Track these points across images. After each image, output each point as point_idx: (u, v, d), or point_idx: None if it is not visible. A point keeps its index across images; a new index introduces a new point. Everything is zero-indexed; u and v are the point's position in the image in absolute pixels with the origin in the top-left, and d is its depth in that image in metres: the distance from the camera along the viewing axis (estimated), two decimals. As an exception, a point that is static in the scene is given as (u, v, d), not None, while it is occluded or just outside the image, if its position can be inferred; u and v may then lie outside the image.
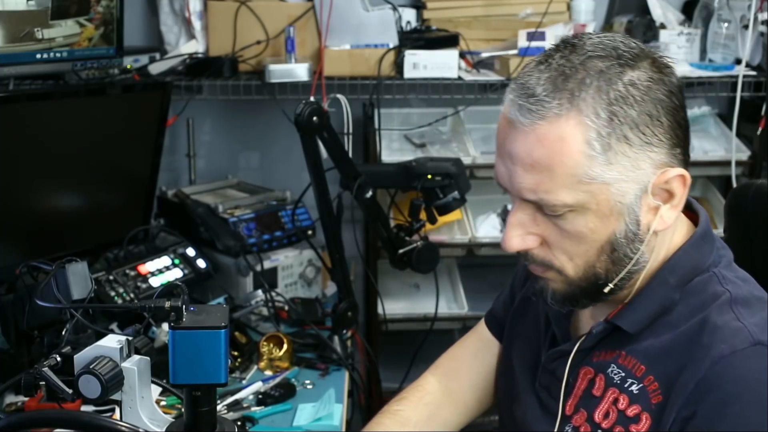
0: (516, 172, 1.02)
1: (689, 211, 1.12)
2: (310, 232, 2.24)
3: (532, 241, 1.05)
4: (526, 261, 1.08)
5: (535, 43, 2.30)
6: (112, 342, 1.09)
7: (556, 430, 1.12)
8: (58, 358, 1.12)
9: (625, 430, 1.04)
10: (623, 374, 1.06)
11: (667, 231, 1.06)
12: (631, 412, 1.04)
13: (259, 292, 2.01)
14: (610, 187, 0.99)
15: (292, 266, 2.21)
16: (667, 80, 1.00)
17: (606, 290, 1.06)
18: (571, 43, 1.02)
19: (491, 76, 2.36)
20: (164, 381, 1.18)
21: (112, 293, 1.90)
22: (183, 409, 1.04)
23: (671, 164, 1.01)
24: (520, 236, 1.05)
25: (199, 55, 2.38)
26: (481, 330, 1.39)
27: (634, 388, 1.04)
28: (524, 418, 1.20)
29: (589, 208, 1.00)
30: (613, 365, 1.08)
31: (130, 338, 1.11)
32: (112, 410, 1.41)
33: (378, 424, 1.30)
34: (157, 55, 2.40)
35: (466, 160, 2.36)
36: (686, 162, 1.03)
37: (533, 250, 1.06)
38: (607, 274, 1.05)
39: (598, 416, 1.07)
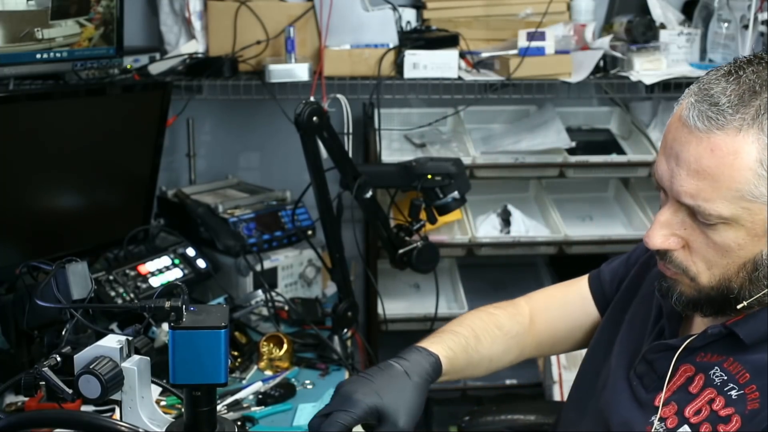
0: (679, 174, 1.02)
1: None
2: (310, 232, 2.24)
3: (674, 243, 1.07)
4: (662, 260, 1.10)
5: (535, 43, 2.30)
6: (112, 342, 1.09)
7: (645, 419, 1.14)
8: (58, 358, 1.13)
9: (712, 427, 1.06)
10: (725, 378, 1.08)
11: None
12: (724, 413, 1.06)
13: (259, 292, 2.01)
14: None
15: (292, 266, 2.22)
16: None
17: (739, 307, 1.07)
18: (765, 59, 1.03)
19: (491, 76, 2.36)
20: (164, 381, 1.18)
21: (112, 293, 1.90)
22: (183, 409, 1.04)
23: None
24: (665, 236, 1.07)
25: (199, 55, 2.38)
26: (582, 285, 1.43)
27: (733, 393, 1.06)
28: (611, 401, 1.21)
29: (743, 224, 1.01)
30: (716, 368, 1.09)
31: (130, 338, 1.11)
32: (112, 410, 1.41)
33: (475, 317, 1.38)
34: (157, 55, 2.40)
35: (466, 160, 2.36)
36: None
37: (674, 252, 1.08)
38: (741, 291, 1.06)
39: (689, 412, 1.09)
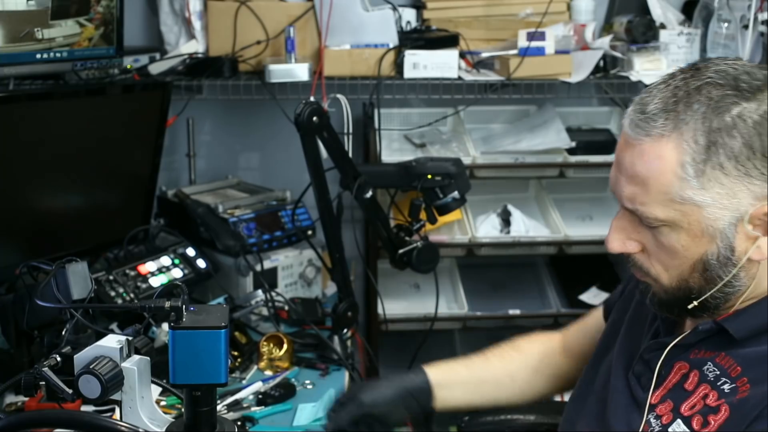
0: (621, 180, 1.09)
1: None
2: (310, 232, 2.24)
3: (632, 246, 1.12)
4: (628, 263, 1.15)
5: (535, 43, 2.30)
6: (112, 342, 1.09)
7: (641, 418, 1.15)
8: (58, 358, 1.13)
9: (703, 419, 1.08)
10: (718, 372, 1.10)
11: None
12: (715, 404, 1.08)
13: (259, 292, 2.01)
14: (701, 210, 1.03)
15: (292, 266, 2.21)
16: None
17: (690, 306, 1.11)
18: (696, 67, 1.07)
19: (491, 76, 2.36)
20: (164, 381, 1.18)
21: (112, 293, 1.90)
22: (183, 409, 1.04)
23: None
24: (621, 240, 1.13)
25: (199, 55, 2.38)
26: (598, 313, 1.49)
27: (726, 386, 1.08)
28: (610, 401, 1.23)
29: (681, 226, 1.05)
30: (709, 363, 1.11)
31: (130, 338, 1.11)
32: (112, 410, 1.41)
33: (496, 347, 1.50)
34: (157, 55, 2.40)
35: (466, 160, 2.36)
36: None
37: (634, 255, 1.13)
38: (700, 290, 1.10)
39: (684, 408, 1.11)
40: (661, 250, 1.09)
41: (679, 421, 1.10)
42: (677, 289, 1.11)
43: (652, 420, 1.14)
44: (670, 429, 1.10)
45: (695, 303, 1.10)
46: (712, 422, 1.06)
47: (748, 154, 1.00)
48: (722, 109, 1.00)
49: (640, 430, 1.15)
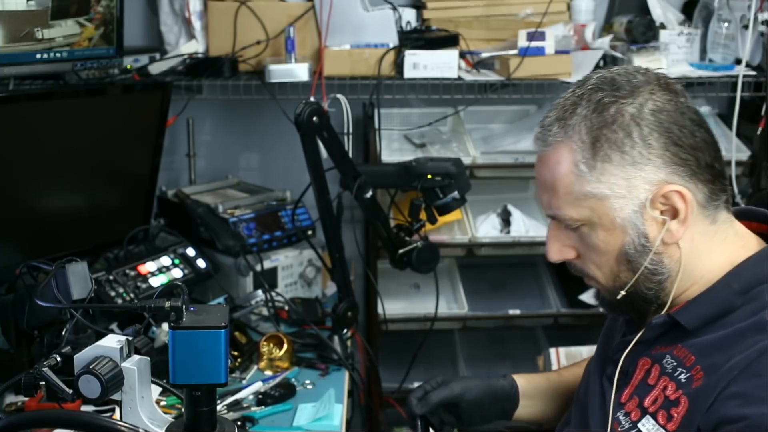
0: (539, 191, 1.18)
1: None
2: (310, 232, 2.24)
3: (569, 253, 1.19)
4: (572, 272, 1.21)
5: (535, 43, 2.30)
6: (112, 342, 1.09)
7: (610, 415, 1.18)
8: (58, 358, 1.13)
9: (666, 413, 1.10)
10: (675, 364, 1.13)
11: (710, 242, 1.13)
12: (674, 396, 1.10)
13: (259, 292, 2.01)
14: (604, 202, 1.11)
15: (292, 266, 2.22)
16: (669, 107, 1.11)
17: (619, 297, 1.16)
18: (584, 78, 1.18)
19: (491, 76, 2.36)
20: (164, 381, 1.18)
21: (112, 293, 1.90)
22: (183, 409, 1.04)
23: (670, 181, 1.09)
24: (558, 248, 1.19)
25: (199, 55, 2.38)
26: None
27: (682, 376, 1.10)
28: (589, 406, 1.26)
29: (595, 221, 1.13)
30: (667, 356, 1.14)
31: (130, 338, 1.11)
32: (112, 410, 1.41)
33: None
34: (157, 55, 2.40)
35: (466, 160, 2.36)
36: (703, 178, 1.11)
37: (573, 261, 1.20)
38: (635, 285, 1.15)
39: (648, 402, 1.14)
40: (589, 251, 1.16)
41: (648, 417, 1.13)
42: (614, 287, 1.17)
43: (621, 418, 1.16)
44: (639, 425, 1.13)
45: (623, 293, 1.16)
46: (675, 415, 1.08)
47: (630, 144, 1.09)
48: (601, 108, 1.11)
49: (609, 429, 1.17)
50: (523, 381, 1.44)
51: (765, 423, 0.97)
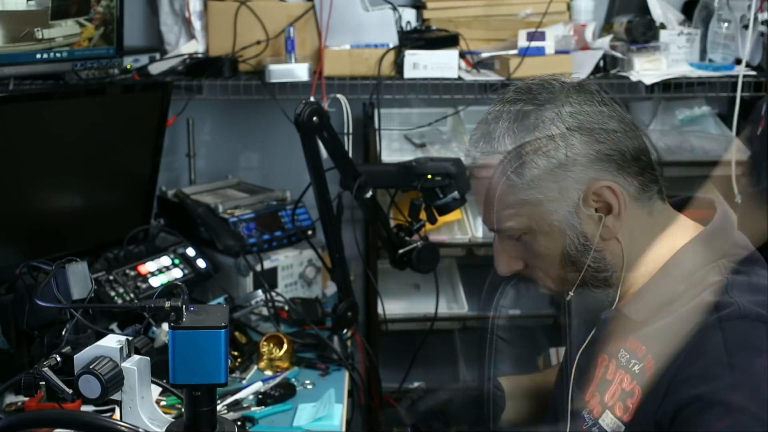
0: (480, 208, 1.20)
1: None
2: (310, 232, 2.24)
3: (517, 264, 1.21)
4: (523, 283, 1.25)
5: (535, 43, 2.30)
6: (112, 342, 1.09)
7: (568, 414, 1.21)
8: (58, 358, 1.12)
9: (622, 404, 1.12)
10: (628, 356, 1.14)
11: (650, 233, 1.16)
12: (629, 387, 1.12)
13: (259, 292, 2.01)
14: (539, 207, 1.13)
15: (292, 266, 2.21)
16: (586, 107, 1.15)
17: (568, 299, 1.19)
18: (503, 91, 1.19)
19: (491, 76, 2.36)
20: (164, 381, 1.18)
21: (112, 293, 1.90)
22: (183, 409, 1.04)
23: (599, 178, 1.12)
24: (506, 261, 1.21)
25: (199, 55, 2.38)
26: None
27: (636, 367, 1.12)
28: (559, 411, 1.27)
29: (534, 228, 1.15)
30: (621, 349, 1.16)
31: (130, 338, 1.11)
32: (112, 410, 1.41)
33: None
34: (157, 55, 2.40)
35: (466, 161, 2.35)
36: (631, 171, 1.13)
37: (522, 272, 1.21)
38: (583, 281, 1.17)
39: (607, 397, 1.15)
40: (534, 258, 1.18)
41: (607, 411, 1.14)
42: (564, 290, 1.19)
43: (585, 416, 1.18)
44: (600, 421, 1.15)
45: (571, 293, 1.18)
46: (630, 406, 1.10)
47: (554, 147, 1.11)
48: (522, 117, 1.13)
49: (568, 429, 1.20)
50: (509, 383, 1.45)
51: (718, 398, 0.99)
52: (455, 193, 1.90)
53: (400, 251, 1.91)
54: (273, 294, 2.02)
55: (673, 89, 2.36)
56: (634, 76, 2.34)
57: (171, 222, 2.29)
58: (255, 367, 1.85)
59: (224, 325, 1.00)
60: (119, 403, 1.10)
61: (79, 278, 1.33)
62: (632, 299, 1.16)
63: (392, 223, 1.95)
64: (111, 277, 1.93)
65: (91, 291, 1.33)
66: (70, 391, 1.09)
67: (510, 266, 1.21)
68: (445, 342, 2.73)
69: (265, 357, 1.85)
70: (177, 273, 2.05)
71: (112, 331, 1.47)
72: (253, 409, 1.68)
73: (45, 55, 1.89)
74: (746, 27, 2.32)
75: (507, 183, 1.13)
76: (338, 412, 1.68)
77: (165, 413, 1.12)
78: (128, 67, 2.25)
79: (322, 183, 1.82)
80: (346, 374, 1.86)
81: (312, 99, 1.99)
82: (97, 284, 1.86)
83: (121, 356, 1.08)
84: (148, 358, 1.11)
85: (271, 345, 1.86)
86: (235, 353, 1.86)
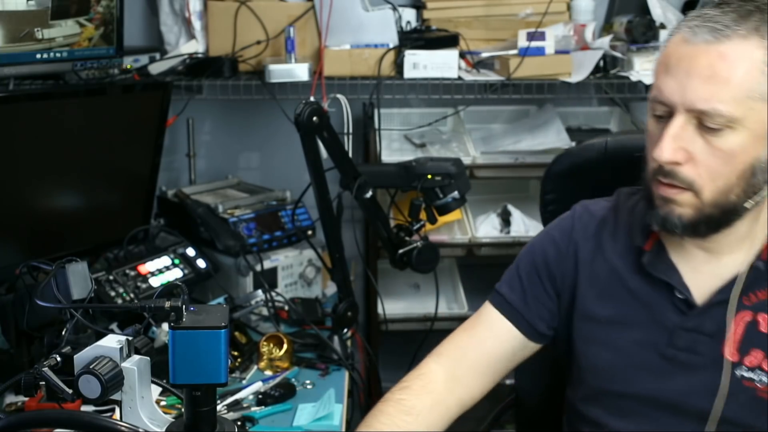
0: (691, 84, 1.13)
1: None
2: (310, 232, 2.24)
3: (682, 156, 1.15)
4: (666, 177, 1.17)
5: (535, 43, 2.30)
6: (112, 342, 1.09)
7: (725, 380, 1.19)
8: (58, 358, 1.12)
9: None
10: None
11: None
12: None
13: (259, 292, 2.01)
14: None
15: (292, 266, 2.22)
16: None
17: (739, 218, 1.18)
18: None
19: (491, 76, 2.36)
20: (164, 381, 1.18)
21: (112, 293, 1.90)
22: (183, 409, 1.04)
23: None
24: (674, 148, 1.15)
25: (199, 55, 2.38)
26: (489, 314, 1.41)
27: None
28: (659, 386, 1.25)
29: (747, 126, 1.12)
30: None
31: (130, 338, 1.11)
32: (112, 410, 1.41)
33: (381, 413, 1.32)
34: (157, 55, 2.40)
35: (466, 160, 2.36)
36: None
37: (680, 167, 1.16)
38: (737, 202, 1.16)
39: None
40: (714, 157, 1.14)
41: None
42: (715, 204, 1.16)
43: (746, 374, 1.19)
44: None
45: (753, 202, 1.17)
46: None
47: None
48: None
49: (742, 386, 1.19)
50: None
51: None
52: (455, 193, 1.90)
53: (400, 251, 1.91)
54: (273, 294, 2.02)
55: (673, 89, 2.36)
56: (634, 76, 2.33)
57: (171, 222, 2.29)
58: (255, 367, 1.85)
59: (224, 325, 1.00)
60: (119, 403, 1.10)
61: (79, 278, 1.33)
62: None
63: (392, 223, 1.95)
64: (111, 277, 1.93)
65: (91, 291, 1.33)
66: (70, 391, 1.09)
67: (676, 155, 1.15)
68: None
69: (265, 357, 1.85)
70: (177, 273, 2.05)
71: (112, 331, 1.46)
72: (253, 409, 1.68)
73: (45, 55, 1.89)
74: (746, 27, 2.31)
75: (762, 71, 1.11)
76: (338, 412, 1.68)
77: (165, 413, 1.12)
78: (128, 67, 2.25)
79: (322, 183, 1.82)
80: (346, 374, 1.86)
81: (312, 99, 1.99)
82: (97, 284, 1.86)
83: (121, 356, 1.08)
84: (148, 358, 1.11)
85: (271, 345, 1.86)
86: (235, 353, 1.86)
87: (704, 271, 1.24)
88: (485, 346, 1.39)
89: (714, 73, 1.11)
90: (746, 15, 1.13)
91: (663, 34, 2.42)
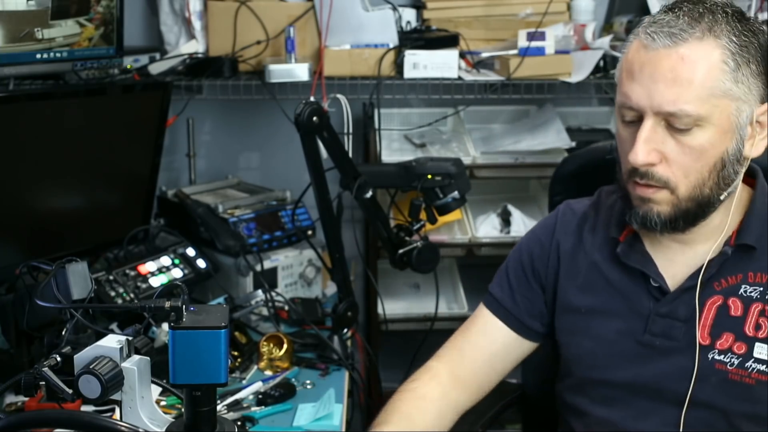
0: (657, 88, 1.17)
1: None
2: (310, 232, 2.24)
3: (655, 157, 1.19)
4: (642, 179, 1.21)
5: (535, 43, 2.30)
6: (112, 342, 1.09)
7: (696, 363, 1.23)
8: (58, 358, 1.12)
9: None
10: (761, 289, 1.21)
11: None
12: None
13: (259, 292, 2.01)
14: (732, 104, 1.17)
15: (292, 266, 2.21)
16: (764, 30, 1.21)
17: (713, 209, 1.22)
18: (692, 1, 1.21)
19: (491, 76, 2.36)
20: (164, 381, 1.18)
21: (112, 293, 1.90)
22: (183, 409, 1.04)
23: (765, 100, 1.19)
24: (648, 151, 1.19)
25: (199, 55, 2.38)
26: (483, 315, 1.48)
27: None
28: (635, 372, 1.29)
29: (713, 122, 1.16)
30: (744, 286, 1.23)
31: (130, 338, 1.11)
32: (112, 410, 1.41)
33: (396, 401, 1.39)
34: (157, 55, 2.40)
35: (466, 160, 2.36)
36: None
37: (655, 167, 1.20)
38: (711, 195, 1.21)
39: (748, 330, 1.21)
40: (686, 155, 1.18)
41: (759, 343, 1.20)
42: (691, 199, 1.20)
43: (717, 357, 1.22)
44: (754, 354, 1.21)
45: (724, 194, 1.21)
46: None
47: (759, 57, 1.17)
48: (737, 19, 1.17)
49: (714, 368, 1.22)
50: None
51: None
52: (455, 193, 1.90)
53: (400, 251, 1.91)
54: (273, 294, 2.02)
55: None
56: (634, 76, 2.33)
57: (171, 222, 2.29)
58: (255, 367, 1.85)
59: (224, 325, 1.00)
60: (119, 403, 1.10)
61: (79, 278, 1.33)
62: (743, 230, 1.23)
63: (392, 223, 1.95)
64: (111, 277, 1.93)
65: (91, 291, 1.33)
66: (70, 391, 1.09)
67: (650, 157, 1.19)
68: (445, 342, 2.73)
69: (265, 357, 1.85)
70: (177, 273, 2.05)
71: (112, 331, 1.47)
72: (253, 409, 1.68)
73: (45, 55, 1.89)
74: (746, 27, 2.31)
75: (722, 69, 1.15)
76: (338, 412, 1.68)
77: (165, 413, 1.12)
78: (128, 67, 2.25)
79: (322, 183, 1.82)
80: (346, 374, 1.86)
81: (312, 99, 1.99)
82: (97, 284, 1.86)
83: (121, 356, 1.08)
84: (148, 358, 1.11)
85: (271, 345, 1.86)
86: (235, 353, 1.86)
87: (678, 260, 1.29)
88: (481, 346, 1.45)
89: (677, 75, 1.15)
90: (698, 17, 1.17)
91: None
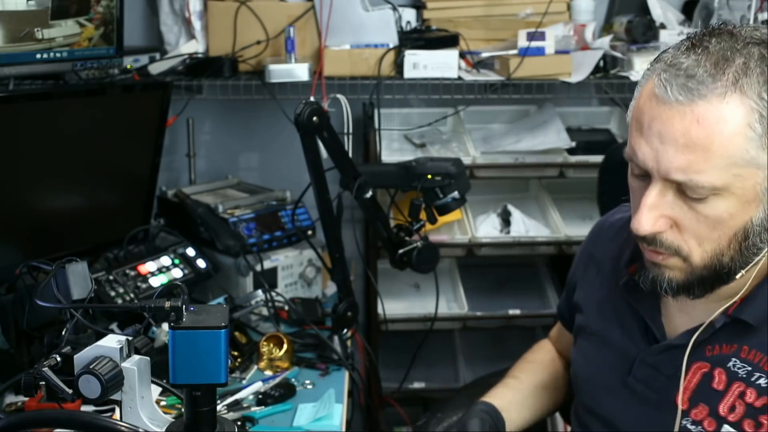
0: (666, 152, 0.99)
1: None
2: (310, 232, 2.24)
3: (663, 224, 1.04)
4: (650, 245, 1.07)
5: (535, 43, 2.30)
6: (112, 342, 1.09)
7: (677, 426, 1.13)
8: (58, 358, 1.12)
9: (755, 422, 1.05)
10: (749, 368, 1.07)
11: None
12: (760, 403, 1.05)
13: (259, 292, 2.01)
14: (759, 171, 0.98)
15: (292, 266, 2.21)
16: None
17: (734, 278, 1.06)
18: (726, 30, 1.02)
19: (491, 76, 2.36)
20: (164, 381, 1.18)
21: (112, 293, 1.90)
22: (183, 409, 1.04)
23: None
24: (654, 218, 1.03)
25: (199, 55, 2.38)
26: (558, 328, 1.59)
27: (762, 381, 1.05)
28: (618, 413, 1.23)
29: (734, 192, 0.99)
30: (734, 359, 1.08)
31: (130, 338, 1.11)
32: (112, 410, 1.41)
33: (521, 364, 1.56)
34: (157, 55, 2.40)
35: (466, 160, 2.36)
36: None
37: (663, 234, 1.05)
38: (731, 264, 1.05)
39: (723, 410, 1.08)
40: (701, 223, 1.02)
41: (727, 426, 1.08)
42: (707, 267, 1.05)
43: (690, 426, 1.11)
44: None
45: (742, 272, 1.05)
46: (766, 422, 1.04)
47: None
48: None
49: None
50: (493, 399, 1.42)
51: None
52: (455, 193, 1.90)
53: (400, 251, 1.91)
54: (273, 294, 2.02)
55: (673, 89, 2.35)
56: (634, 76, 2.33)
57: (171, 222, 2.29)
58: (255, 367, 1.85)
59: (224, 325, 1.00)
60: (119, 403, 1.10)
61: (79, 278, 1.33)
62: (747, 303, 1.08)
63: (392, 223, 1.95)
64: (111, 277, 1.93)
65: (91, 291, 1.33)
66: (70, 391, 1.09)
67: (657, 225, 1.04)
68: (445, 342, 2.73)
69: (265, 357, 1.85)
70: (177, 273, 2.05)
71: (112, 331, 1.47)
72: (253, 409, 1.68)
73: (45, 55, 1.89)
74: (746, 27, 2.31)
75: (747, 135, 0.96)
76: (338, 412, 1.68)
77: (165, 413, 1.12)
78: (128, 67, 2.25)
79: (322, 183, 1.82)
80: (346, 374, 1.86)
81: (312, 99, 1.99)
82: (97, 284, 1.86)
83: (121, 356, 1.08)
84: (148, 358, 1.11)
85: (271, 345, 1.86)
86: (235, 353, 1.86)
87: (687, 310, 1.17)
88: (561, 342, 1.56)
89: (690, 140, 0.97)
90: (724, 64, 0.97)
91: (663, 35, 2.42)
